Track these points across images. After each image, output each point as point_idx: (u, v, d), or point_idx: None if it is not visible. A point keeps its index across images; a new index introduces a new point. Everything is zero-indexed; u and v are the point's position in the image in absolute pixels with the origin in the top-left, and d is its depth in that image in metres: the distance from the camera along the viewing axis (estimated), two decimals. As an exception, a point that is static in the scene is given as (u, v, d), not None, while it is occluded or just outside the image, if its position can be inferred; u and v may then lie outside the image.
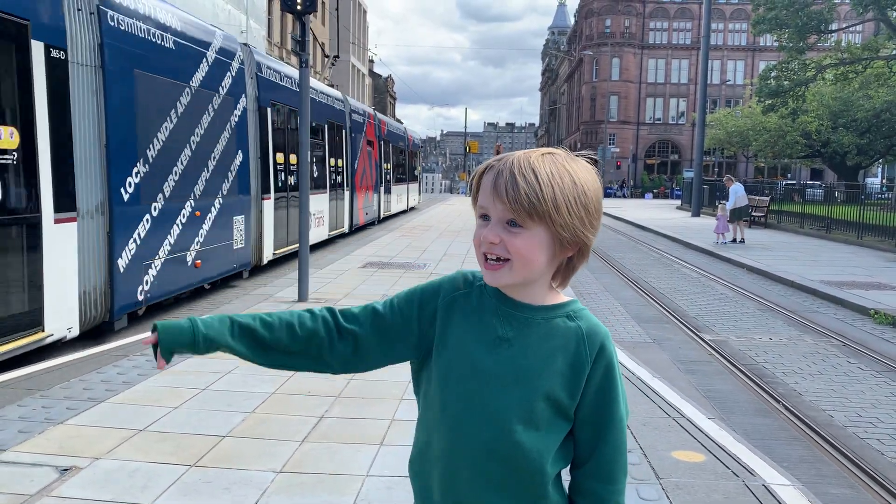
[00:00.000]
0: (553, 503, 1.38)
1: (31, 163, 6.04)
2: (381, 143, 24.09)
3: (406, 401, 5.02)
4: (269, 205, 12.17)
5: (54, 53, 6.32)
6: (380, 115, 25.29)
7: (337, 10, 43.81)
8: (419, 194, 37.48)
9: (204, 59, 9.49)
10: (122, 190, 7.49)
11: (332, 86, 23.59)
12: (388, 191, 25.44)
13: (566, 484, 1.42)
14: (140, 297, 7.91)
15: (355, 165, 19.74)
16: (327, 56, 57.30)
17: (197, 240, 9.29)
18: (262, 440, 4.23)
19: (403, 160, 30.38)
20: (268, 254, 12.24)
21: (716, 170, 57.87)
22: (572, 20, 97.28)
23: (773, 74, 31.40)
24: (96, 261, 7.11)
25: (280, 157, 12.69)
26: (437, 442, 1.39)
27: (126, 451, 4.00)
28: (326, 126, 16.42)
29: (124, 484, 3.59)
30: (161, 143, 8.30)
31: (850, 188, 24.04)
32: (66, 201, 6.51)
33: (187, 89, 8.97)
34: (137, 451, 4.01)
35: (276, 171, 12.47)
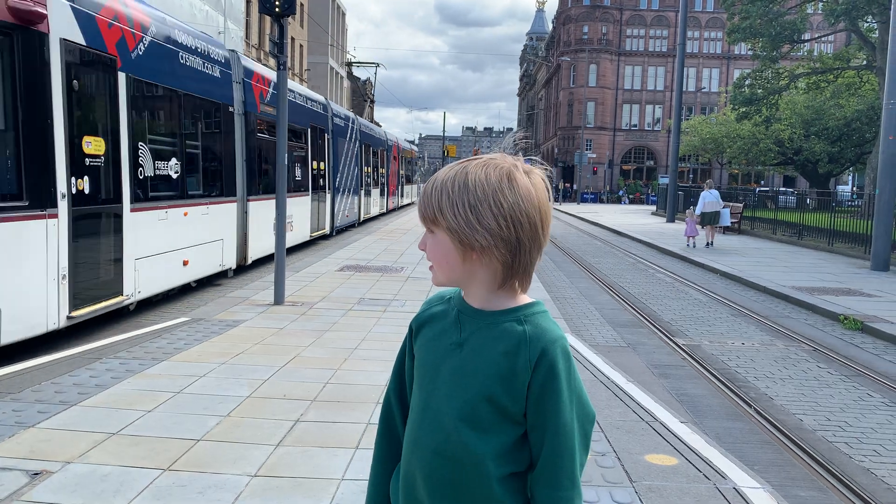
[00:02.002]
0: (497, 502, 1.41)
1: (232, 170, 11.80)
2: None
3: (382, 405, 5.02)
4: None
5: (231, 109, 11.63)
6: (361, 120, 25.80)
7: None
8: (400, 197, 37.93)
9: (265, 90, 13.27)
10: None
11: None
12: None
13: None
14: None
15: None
16: (308, 70, 57.02)
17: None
18: (237, 444, 4.21)
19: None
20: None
21: (690, 176, 58.53)
22: (550, 26, 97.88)
23: (747, 83, 31.85)
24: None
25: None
26: (404, 449, 1.48)
27: (98, 454, 3.96)
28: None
29: (96, 488, 3.55)
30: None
31: (821, 195, 24.43)
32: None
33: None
34: (110, 455, 3.97)
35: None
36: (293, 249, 15.08)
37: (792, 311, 10.77)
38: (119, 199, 7.78)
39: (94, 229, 7.17)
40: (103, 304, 7.43)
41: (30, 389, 5.12)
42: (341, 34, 71.74)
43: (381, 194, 29.94)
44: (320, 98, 18.91)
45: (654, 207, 40.59)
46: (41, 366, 5.79)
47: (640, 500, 3.60)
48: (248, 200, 12.30)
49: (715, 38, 70.02)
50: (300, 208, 15.88)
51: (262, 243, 12.82)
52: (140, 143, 8.32)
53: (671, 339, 8.53)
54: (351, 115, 23.69)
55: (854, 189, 43.76)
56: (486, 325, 1.40)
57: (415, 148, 47.47)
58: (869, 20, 27.57)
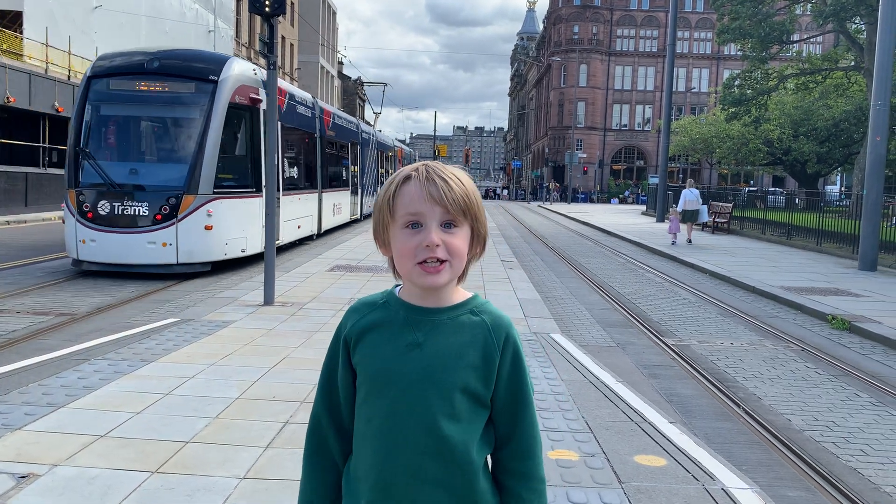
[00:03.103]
0: (483, 489, 1.46)
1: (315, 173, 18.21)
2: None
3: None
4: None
5: (315, 135, 18.15)
6: (377, 132, 32.91)
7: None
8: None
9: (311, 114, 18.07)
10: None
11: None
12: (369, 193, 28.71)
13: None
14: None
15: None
16: (298, 69, 56.89)
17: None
18: (226, 446, 4.20)
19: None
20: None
21: (680, 176, 58.75)
22: (541, 26, 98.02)
23: (736, 83, 32.01)
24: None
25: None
26: (366, 456, 1.47)
27: (86, 457, 3.94)
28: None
29: (83, 491, 3.54)
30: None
31: (810, 195, 24.57)
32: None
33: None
34: (98, 457, 3.95)
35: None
36: (334, 230, 21.14)
37: (780, 311, 10.82)
38: (278, 189, 12.95)
39: (272, 202, 9.71)
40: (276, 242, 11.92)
41: (17, 391, 5.09)
42: (332, 33, 71.61)
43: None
44: (354, 119, 25.45)
45: (643, 207, 40.76)
46: (28, 367, 5.76)
47: (629, 501, 3.61)
48: (322, 192, 18.77)
49: (705, 39, 70.34)
50: (344, 199, 22.46)
51: (329, 221, 20.10)
52: (284, 158, 14.79)
53: (660, 339, 8.55)
54: (371, 129, 30.28)
55: (842, 189, 44.03)
56: (443, 322, 1.45)
57: (411, 150, 49.34)
58: (857, 21, 27.77)
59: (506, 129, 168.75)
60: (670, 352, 8.00)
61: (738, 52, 38.33)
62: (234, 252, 12.38)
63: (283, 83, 14.56)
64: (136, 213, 11.16)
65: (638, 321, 9.58)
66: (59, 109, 23.84)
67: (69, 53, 25.48)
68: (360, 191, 25.15)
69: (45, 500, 3.44)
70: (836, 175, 48.40)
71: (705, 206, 22.68)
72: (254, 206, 12.61)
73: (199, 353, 6.31)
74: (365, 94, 76.26)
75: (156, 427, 4.46)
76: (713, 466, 4.11)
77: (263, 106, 12.17)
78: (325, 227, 19.24)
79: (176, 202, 11.25)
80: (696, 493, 3.74)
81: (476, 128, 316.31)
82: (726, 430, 5.59)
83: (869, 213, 15.10)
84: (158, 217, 11.18)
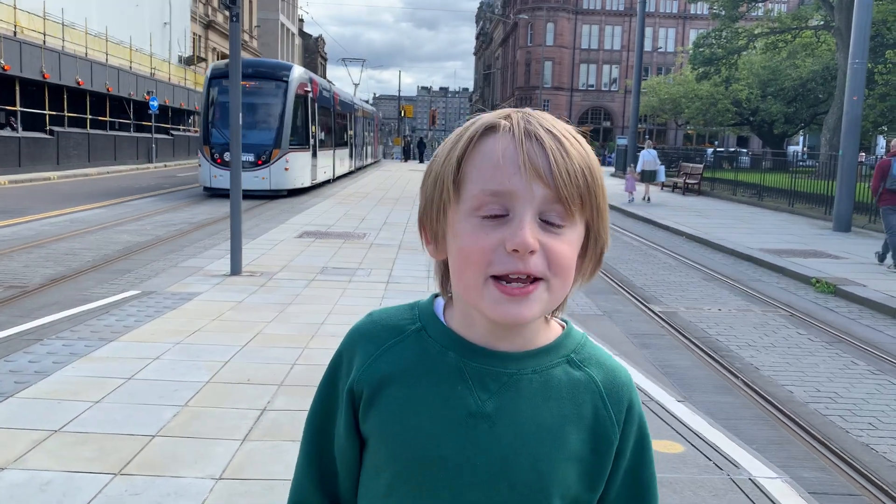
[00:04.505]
0: None
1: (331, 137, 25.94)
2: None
3: None
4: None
5: (331, 110, 26.11)
6: (363, 103, 41.51)
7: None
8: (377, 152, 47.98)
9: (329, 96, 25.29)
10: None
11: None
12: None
13: None
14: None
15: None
16: (258, 27, 55.22)
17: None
18: (198, 440, 3.76)
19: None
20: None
21: (647, 137, 58.62)
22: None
23: (707, 42, 31.69)
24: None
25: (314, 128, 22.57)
26: None
27: (37, 457, 3.48)
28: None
29: (33, 501, 3.09)
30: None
31: (776, 156, 24.53)
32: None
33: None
34: (51, 457, 3.49)
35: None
36: (340, 177, 27.63)
37: (762, 275, 10.64)
38: (315, 147, 21.63)
39: (314, 155, 20.08)
40: (314, 181, 21.59)
41: (-41, 379, 4.57)
42: (292, -11, 69.57)
43: (372, 149, 42.91)
44: (349, 94, 34.24)
45: (612, 169, 40.58)
46: (-27, 350, 5.23)
47: (650, 495, 3.28)
48: (334, 150, 25.63)
49: (671, -2, 69.87)
50: (346, 156, 29.31)
51: (339, 171, 27.05)
52: (317, 127, 22.04)
53: (647, 307, 8.28)
54: (360, 101, 38.04)
55: (805, 149, 44.40)
56: (525, 379, 0.90)
57: (377, 111, 50.51)
58: (827, -21, 27.52)
59: (471, 89, 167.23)
60: (659, 319, 7.72)
61: (706, 12, 37.99)
62: (298, 184, 19.95)
63: (316, 77, 23.13)
64: (246, 159, 17.11)
65: (622, 287, 9.29)
66: (6, 68, 22.57)
67: (14, 7, 24.09)
68: (353, 150, 31.85)
69: (-10, 511, 2.99)
70: (800, 136, 48.74)
71: (663, 167, 23.54)
72: (307, 157, 20.68)
73: (163, 330, 5.82)
74: (326, 54, 74.65)
75: (118, 419, 3.99)
76: (734, 452, 3.80)
77: (311, 94, 21.08)
78: (336, 174, 26.37)
79: (268, 154, 18.98)
80: (723, 485, 3.42)
81: (441, 88, 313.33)
82: (729, 404, 5.32)
83: (844, 174, 14.98)
84: (259, 162, 18.83)
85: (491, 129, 0.87)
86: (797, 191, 19.55)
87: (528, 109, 0.90)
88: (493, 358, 0.90)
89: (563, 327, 0.96)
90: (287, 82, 19.53)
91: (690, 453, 3.76)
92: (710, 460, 3.68)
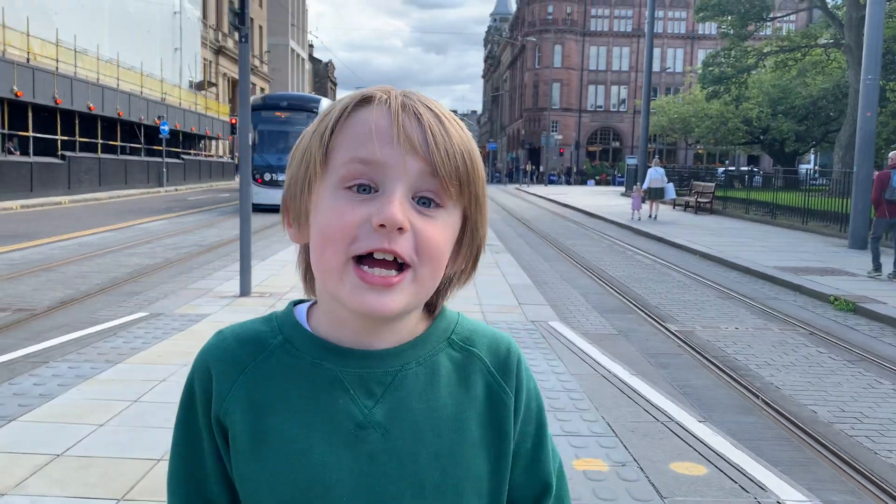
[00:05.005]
0: None
1: None
2: None
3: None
4: None
5: None
6: None
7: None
8: None
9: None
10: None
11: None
12: None
13: None
14: None
15: None
16: (268, 52, 55.95)
17: None
18: (204, 464, 3.64)
19: None
20: None
21: (656, 156, 58.57)
22: (514, 6, 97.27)
23: (716, 60, 31.67)
24: None
25: None
26: None
27: (39, 483, 3.37)
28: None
29: (35, 527, 2.97)
30: None
31: (788, 174, 24.38)
32: None
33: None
34: (53, 482, 3.38)
35: None
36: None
37: (779, 293, 10.46)
38: None
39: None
40: None
41: (-38, 402, 4.48)
42: (302, 15, 70.40)
43: None
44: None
45: (622, 188, 40.51)
46: (-22, 373, 5.14)
47: (675, 520, 3.14)
48: None
49: (679, 18, 70.18)
50: None
51: None
52: None
53: (663, 325, 8.12)
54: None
55: (816, 168, 44.23)
56: (410, 374, 0.82)
57: None
58: (836, -3, 27.54)
59: (479, 111, 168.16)
60: (675, 339, 7.57)
61: (714, 32, 38.06)
62: None
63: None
64: (280, 179, 19.17)
65: (636, 306, 9.14)
66: (19, 94, 22.78)
67: (27, 35, 24.38)
68: None
69: (-12, 539, 2.88)
70: (811, 154, 48.55)
71: (671, 184, 23.59)
72: None
73: (170, 352, 5.72)
74: (336, 79, 75.49)
75: (122, 442, 3.88)
76: (760, 474, 3.64)
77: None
78: None
79: None
80: (750, 509, 3.27)
81: (450, 111, 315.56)
82: (751, 424, 5.16)
83: (859, 190, 14.81)
84: None
85: (366, 100, 0.79)
86: (811, 209, 19.37)
87: (411, 90, 0.82)
88: (371, 359, 0.81)
89: (436, 312, 0.88)
90: (317, 113, 23.47)
91: (714, 475, 3.60)
92: (736, 483, 3.53)
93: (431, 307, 0.87)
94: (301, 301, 0.89)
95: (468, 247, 0.84)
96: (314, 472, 0.78)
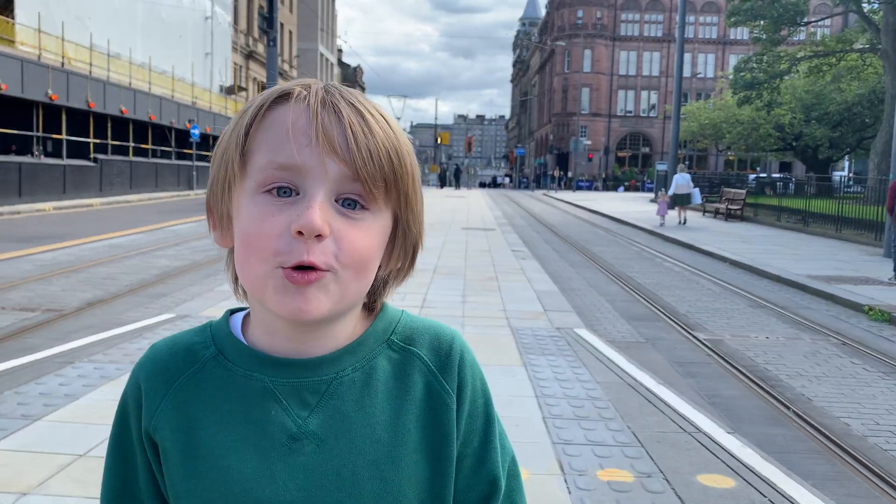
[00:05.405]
0: None
1: None
2: None
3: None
4: None
5: None
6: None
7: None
8: None
9: None
10: None
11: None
12: None
13: None
14: None
15: None
16: (297, 56, 56.60)
17: None
18: (224, 467, 3.63)
19: None
20: None
21: (687, 162, 57.95)
22: (543, 11, 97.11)
23: (748, 66, 31.25)
24: None
25: None
26: None
27: (61, 483, 3.38)
28: None
29: (54, 528, 2.98)
30: None
31: (821, 181, 23.98)
32: None
33: None
34: (75, 483, 3.39)
35: None
36: None
37: (811, 302, 10.25)
38: None
39: None
40: None
41: (-11, 401, 4.52)
42: (331, 20, 70.95)
43: None
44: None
45: (651, 194, 40.14)
46: (5, 372, 5.20)
47: (701, 535, 3.05)
48: None
49: (710, 23, 69.51)
50: None
51: None
52: None
53: (691, 334, 7.99)
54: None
55: (850, 175, 43.48)
56: (346, 380, 0.79)
57: (416, 141, 53.72)
58: (871, 1, 27.03)
59: (507, 116, 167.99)
60: (704, 347, 7.43)
61: (747, 37, 37.59)
62: None
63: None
64: None
65: (664, 314, 9.01)
66: (53, 97, 23.22)
67: (62, 39, 24.85)
68: None
69: (8, 539, 2.88)
70: (845, 161, 47.73)
71: (697, 189, 23.56)
72: None
73: (195, 354, 5.74)
74: (364, 83, 76.02)
75: (143, 444, 3.88)
76: (791, 489, 3.54)
77: None
78: None
79: None
80: (780, 525, 3.17)
81: (477, 116, 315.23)
82: (781, 436, 5.03)
83: None
84: None
85: (284, 96, 0.75)
86: (845, 216, 19.00)
87: (333, 82, 0.78)
88: (304, 368, 0.79)
89: (376, 310, 0.85)
90: None
91: (743, 489, 3.50)
92: (765, 496, 3.43)
93: (373, 306, 0.85)
94: (238, 309, 0.87)
95: (401, 247, 0.82)
96: (248, 486, 0.76)
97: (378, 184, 0.74)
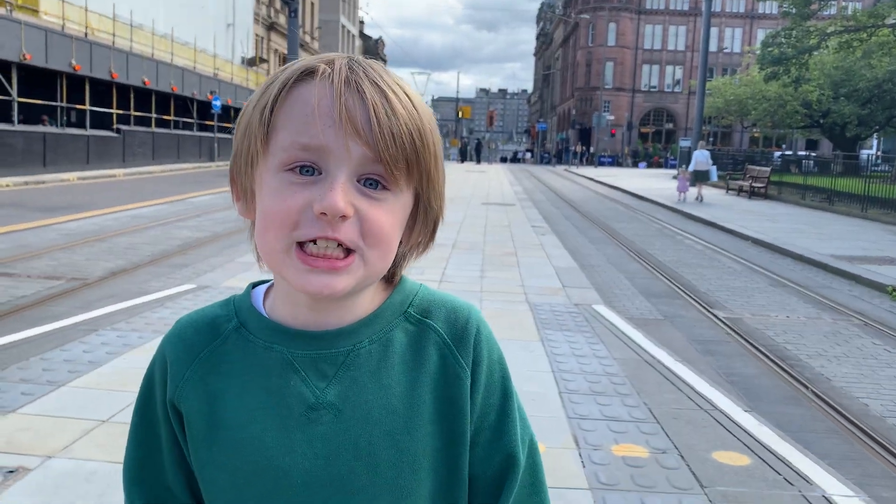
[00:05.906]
0: None
1: None
2: None
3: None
4: None
5: None
6: None
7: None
8: None
9: None
10: None
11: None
12: None
13: None
14: None
15: None
16: (319, 28, 56.27)
17: None
18: (243, 435, 3.69)
19: None
20: None
21: (711, 139, 57.26)
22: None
23: (776, 41, 30.62)
24: None
25: None
26: None
27: (84, 447, 3.46)
28: None
29: (79, 490, 3.05)
30: None
31: (848, 160, 23.57)
32: None
33: None
34: (98, 447, 3.47)
35: None
36: None
37: (833, 282, 10.15)
38: None
39: None
40: None
41: (15, 366, 4.63)
42: (354, -9, 70.40)
43: None
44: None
45: (674, 171, 39.70)
46: (31, 339, 5.30)
47: (715, 511, 3.06)
48: None
49: (738, -3, 68.09)
50: None
51: None
52: None
53: (710, 312, 7.95)
54: None
55: (879, 153, 42.64)
56: (363, 352, 0.81)
57: (437, 115, 53.98)
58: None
59: (530, 91, 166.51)
60: (723, 326, 7.40)
61: (775, 11, 36.81)
62: None
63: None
64: None
65: (684, 291, 8.97)
66: (77, 67, 23.34)
67: (86, 10, 24.91)
68: None
69: (35, 500, 2.96)
70: (874, 139, 46.83)
71: (715, 167, 23.68)
72: None
73: (216, 324, 5.81)
74: (386, 56, 75.59)
75: (165, 411, 3.96)
76: (806, 467, 3.54)
77: None
78: None
79: None
80: (794, 501, 3.18)
81: (499, 90, 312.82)
82: (799, 416, 5.01)
83: (924, 177, 14.23)
84: None
85: (309, 73, 0.76)
86: (871, 195, 18.71)
87: (358, 56, 0.78)
88: (322, 339, 0.81)
89: (395, 283, 0.87)
90: None
91: (758, 466, 3.51)
92: (780, 475, 3.43)
93: (391, 278, 0.86)
94: (262, 282, 0.89)
95: (422, 223, 0.83)
96: (268, 455, 0.78)
97: (400, 165, 0.75)
